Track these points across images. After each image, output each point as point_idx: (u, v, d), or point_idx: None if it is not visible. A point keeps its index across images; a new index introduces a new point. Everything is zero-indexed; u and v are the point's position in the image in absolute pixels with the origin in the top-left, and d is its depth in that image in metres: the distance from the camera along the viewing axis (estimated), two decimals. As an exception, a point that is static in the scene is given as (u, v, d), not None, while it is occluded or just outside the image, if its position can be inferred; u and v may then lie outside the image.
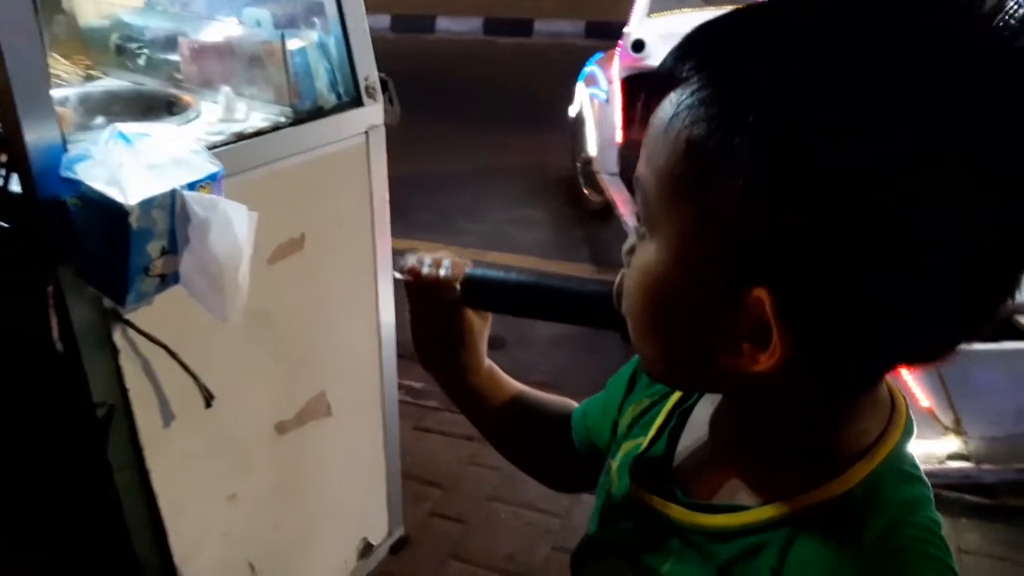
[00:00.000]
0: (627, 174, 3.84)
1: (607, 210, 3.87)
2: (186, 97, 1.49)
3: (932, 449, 2.02)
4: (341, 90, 1.51)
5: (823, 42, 0.41)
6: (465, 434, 2.51)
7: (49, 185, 1.06)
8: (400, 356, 1.84)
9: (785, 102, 0.40)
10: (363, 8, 1.49)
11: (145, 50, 1.63)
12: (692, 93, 0.44)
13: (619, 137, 3.80)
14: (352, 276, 1.66)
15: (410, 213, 3.87)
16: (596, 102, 3.96)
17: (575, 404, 0.82)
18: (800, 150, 0.39)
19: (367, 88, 1.52)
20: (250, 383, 1.47)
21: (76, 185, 1.05)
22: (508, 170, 4.85)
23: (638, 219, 0.51)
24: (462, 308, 0.75)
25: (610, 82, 3.84)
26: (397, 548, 2.02)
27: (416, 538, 2.08)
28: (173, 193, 1.08)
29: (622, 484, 0.63)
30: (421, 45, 8.07)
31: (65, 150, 1.08)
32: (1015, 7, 0.39)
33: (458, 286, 0.72)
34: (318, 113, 1.47)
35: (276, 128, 1.40)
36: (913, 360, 0.47)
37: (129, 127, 1.12)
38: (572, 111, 4.28)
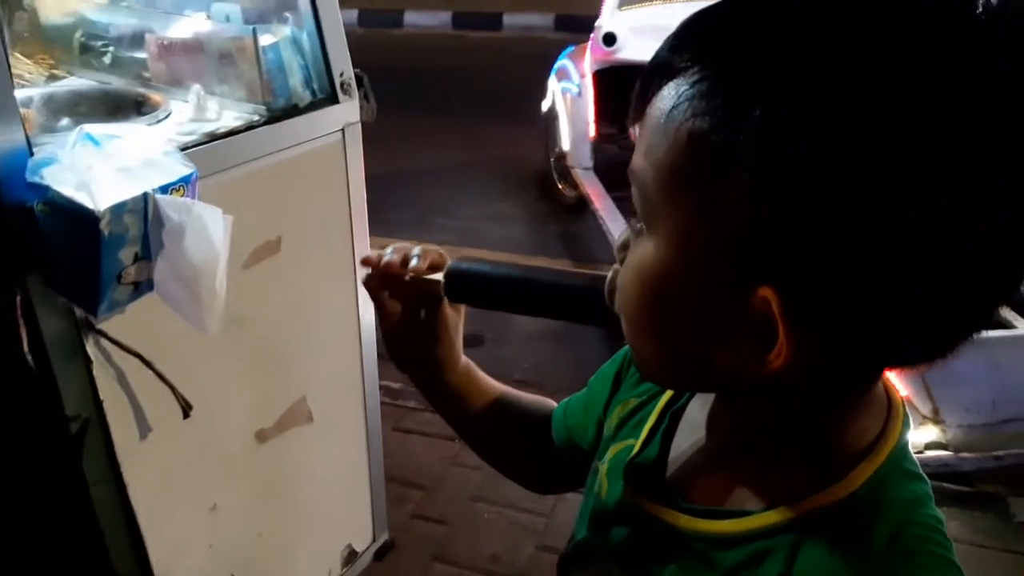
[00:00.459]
0: (601, 168, 3.84)
1: (582, 204, 3.87)
2: (155, 96, 1.44)
3: (911, 438, 2.04)
4: (316, 87, 1.48)
5: (826, 32, 0.39)
6: (446, 434, 2.48)
7: (15, 191, 1.02)
8: (379, 356, 1.81)
9: (792, 96, 0.39)
10: (336, 2, 1.46)
11: (110, 48, 1.58)
12: (692, 84, 0.42)
13: (592, 131, 3.79)
14: (331, 277, 1.62)
15: (383, 211, 3.82)
16: (568, 96, 3.95)
17: (554, 403, 0.80)
18: (808, 145, 0.38)
19: (342, 84, 1.49)
20: (228, 391, 1.43)
21: (43, 191, 1.01)
22: (481, 165, 4.83)
23: (634, 214, 0.49)
24: (436, 302, 0.72)
25: (582, 76, 3.83)
26: (382, 554, 1.99)
27: (399, 541, 2.06)
28: (145, 197, 1.04)
29: (614, 488, 0.61)
30: (389, 40, 8.00)
31: (31, 154, 1.04)
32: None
33: (440, 278, 0.69)
34: (293, 111, 1.43)
35: (250, 127, 1.36)
36: (914, 360, 0.46)
37: (97, 129, 1.08)
38: (545, 105, 4.26)
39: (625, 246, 0.51)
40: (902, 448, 0.50)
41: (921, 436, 2.06)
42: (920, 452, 2.05)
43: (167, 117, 1.37)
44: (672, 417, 0.61)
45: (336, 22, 1.46)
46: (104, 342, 1.15)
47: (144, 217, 1.04)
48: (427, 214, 4.18)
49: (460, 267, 0.69)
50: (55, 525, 1.29)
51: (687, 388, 0.60)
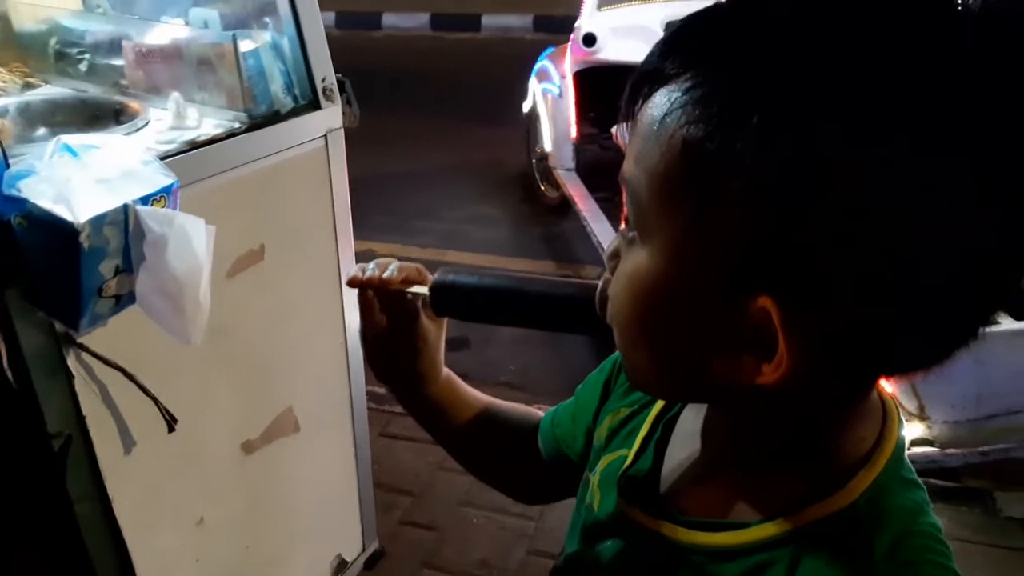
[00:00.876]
0: (583, 169, 3.84)
1: (564, 205, 3.87)
2: (133, 104, 1.42)
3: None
4: (297, 92, 1.46)
5: (821, 37, 0.39)
6: (428, 434, 2.47)
7: (-9, 204, 0.99)
8: (366, 361, 1.79)
9: (789, 102, 0.38)
10: (317, 6, 1.44)
11: (86, 55, 1.55)
12: (685, 91, 0.42)
13: (573, 132, 3.79)
14: (315, 284, 1.61)
15: (365, 215, 3.81)
16: (549, 97, 3.95)
17: (540, 413, 0.79)
18: (806, 151, 0.38)
19: (324, 90, 1.47)
20: (214, 403, 1.41)
21: (21, 203, 0.99)
22: (463, 168, 4.81)
23: (625, 222, 0.48)
24: (414, 315, 0.71)
25: (563, 77, 3.83)
26: (372, 562, 1.98)
27: (388, 548, 2.04)
28: (125, 208, 1.02)
29: (607, 500, 0.60)
30: (368, 42, 7.97)
31: (7, 166, 1.01)
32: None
33: (424, 292, 0.68)
34: (274, 118, 1.41)
35: (231, 135, 1.34)
36: (912, 366, 0.46)
37: (75, 139, 1.06)
38: (525, 107, 4.26)
39: (616, 254, 0.50)
40: (899, 455, 0.50)
41: (907, 433, 2.07)
42: (907, 449, 2.07)
43: (146, 126, 1.35)
44: (665, 427, 0.60)
45: (317, 27, 1.45)
46: (86, 356, 1.12)
47: (125, 229, 1.02)
48: (409, 218, 4.16)
49: (446, 280, 0.68)
50: (39, 543, 1.27)
51: (681, 399, 0.59)
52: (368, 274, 0.69)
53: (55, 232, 0.98)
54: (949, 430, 2.08)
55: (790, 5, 0.41)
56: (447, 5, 8.43)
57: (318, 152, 1.51)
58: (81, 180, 1.01)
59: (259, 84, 1.39)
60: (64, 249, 0.98)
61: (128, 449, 1.23)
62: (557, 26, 6.80)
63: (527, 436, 0.78)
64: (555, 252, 3.83)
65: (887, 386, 0.51)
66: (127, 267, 1.04)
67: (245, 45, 1.36)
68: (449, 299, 0.68)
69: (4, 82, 1.55)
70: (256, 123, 1.38)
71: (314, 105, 1.47)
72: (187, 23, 1.49)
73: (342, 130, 1.53)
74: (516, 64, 4.85)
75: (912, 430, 2.09)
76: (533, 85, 4.15)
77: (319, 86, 1.47)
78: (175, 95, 1.36)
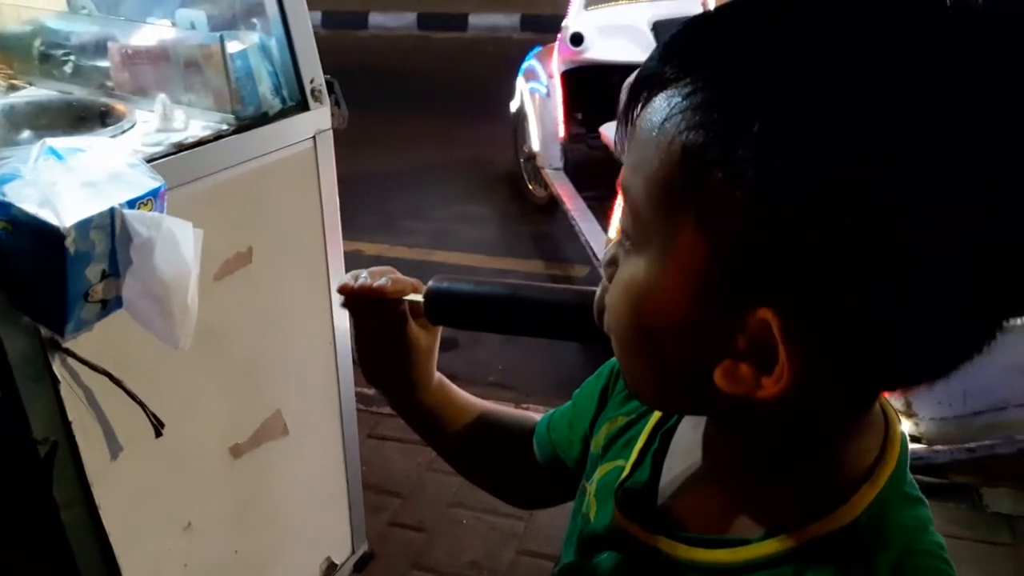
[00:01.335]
0: (571, 168, 3.85)
1: (552, 204, 3.87)
2: (119, 106, 1.40)
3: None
4: (286, 94, 1.45)
5: (822, 41, 0.38)
6: (422, 440, 2.46)
7: (-25, 209, 0.98)
8: (354, 363, 1.79)
9: (790, 110, 0.37)
10: (305, 7, 1.43)
11: (72, 57, 1.54)
12: (685, 96, 0.40)
13: (561, 131, 3.79)
14: (304, 286, 1.60)
15: (352, 215, 3.80)
16: (537, 96, 3.95)
17: (537, 417, 0.79)
18: (808, 160, 0.37)
19: (313, 91, 1.47)
20: (201, 407, 1.40)
21: (5, 208, 0.98)
22: (451, 167, 4.81)
23: (623, 230, 0.47)
24: (404, 323, 0.70)
25: (550, 76, 3.83)
26: (361, 565, 1.97)
27: (377, 550, 2.04)
28: (112, 212, 1.01)
29: (603, 511, 0.59)
30: (355, 41, 7.94)
31: (-9, 170, 1.01)
32: None
33: (419, 299, 0.67)
34: (262, 119, 1.40)
35: (218, 137, 1.34)
36: (916, 378, 0.45)
37: (60, 142, 1.06)
38: (513, 106, 4.26)
39: (613, 261, 0.49)
40: (901, 470, 0.49)
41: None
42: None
43: (132, 128, 1.34)
44: (663, 438, 0.59)
45: (305, 28, 1.44)
46: (71, 361, 1.11)
47: (111, 233, 1.02)
48: (397, 217, 4.15)
49: (441, 287, 0.67)
50: (26, 550, 1.26)
51: (681, 411, 0.57)
52: (360, 282, 0.69)
53: (40, 237, 0.97)
54: (936, 427, 2.10)
55: (790, 8, 0.40)
56: (434, 4, 8.41)
57: (306, 154, 1.50)
58: (67, 184, 1.00)
59: (247, 85, 1.38)
60: (49, 254, 0.98)
61: (115, 454, 1.22)
62: (544, 25, 6.80)
63: (522, 440, 0.77)
64: (543, 251, 3.83)
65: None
66: (114, 271, 1.04)
67: (232, 46, 1.35)
68: (444, 307, 0.67)
69: (-12, 84, 1.53)
70: (244, 125, 1.37)
71: (302, 106, 1.47)
72: (174, 24, 1.48)
73: (331, 131, 1.53)
74: (503, 63, 4.85)
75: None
76: (520, 84, 4.15)
77: (307, 87, 1.46)
78: (162, 97, 1.35)
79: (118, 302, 1.05)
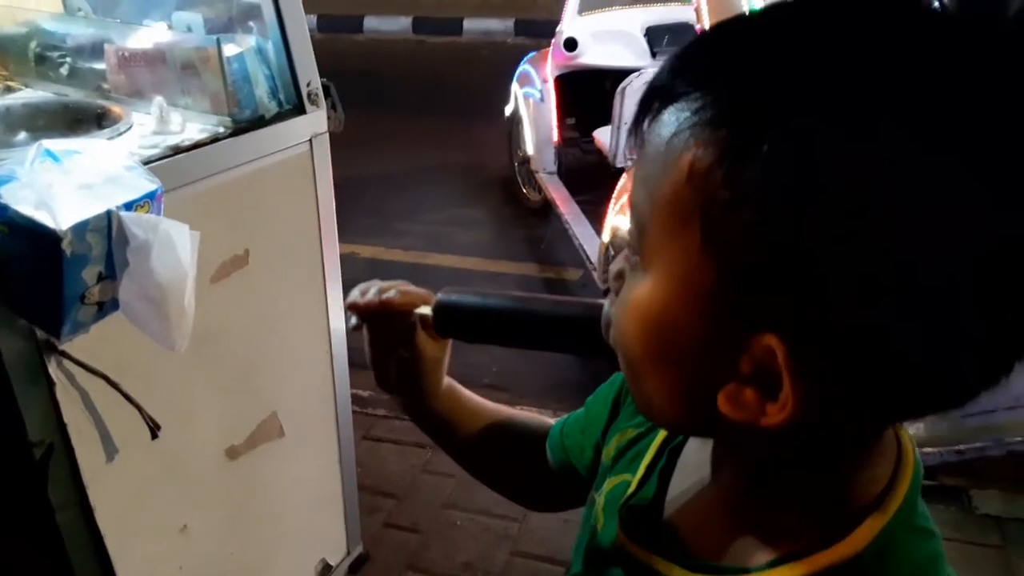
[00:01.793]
0: (564, 172, 3.86)
1: (547, 208, 3.88)
2: (116, 108, 1.41)
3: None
4: (282, 97, 1.45)
5: (836, 60, 0.37)
6: (417, 441, 2.47)
7: (-29, 211, 0.98)
8: (351, 365, 1.79)
9: (801, 131, 0.36)
10: (302, 10, 1.43)
11: (68, 59, 1.54)
12: (695, 111, 0.39)
13: (555, 136, 3.80)
14: (300, 289, 1.60)
15: (347, 218, 3.81)
16: (531, 101, 3.95)
17: (551, 421, 0.79)
18: (818, 184, 0.36)
19: (309, 94, 1.47)
20: (197, 409, 1.40)
21: (2, 210, 0.98)
22: (445, 170, 4.81)
23: (630, 246, 0.46)
24: (412, 335, 0.71)
25: (544, 81, 3.84)
26: (356, 566, 1.97)
27: (372, 551, 2.04)
28: (108, 215, 1.01)
29: (609, 526, 0.58)
30: (350, 45, 7.95)
31: (-13, 172, 1.01)
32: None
33: (427, 312, 0.68)
34: (259, 122, 1.41)
35: (215, 139, 1.34)
36: (927, 408, 0.43)
37: (57, 144, 1.05)
38: (507, 110, 4.27)
39: (621, 275, 0.48)
40: (911, 501, 0.47)
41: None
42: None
43: (129, 130, 1.34)
44: (670, 455, 0.58)
45: (302, 31, 1.44)
46: (67, 363, 1.11)
47: (108, 235, 1.02)
48: (392, 220, 4.15)
49: (449, 300, 0.67)
50: (21, 553, 1.26)
51: (685, 431, 0.56)
52: (367, 299, 0.69)
53: (37, 239, 0.97)
54: (926, 429, 2.10)
55: (804, 23, 0.39)
56: (429, 9, 8.42)
57: (303, 157, 1.50)
58: (63, 186, 1.00)
59: (244, 89, 1.39)
60: (46, 256, 0.97)
61: (111, 456, 1.22)
62: (538, 30, 6.82)
63: (535, 444, 0.77)
64: (538, 255, 3.84)
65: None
66: (110, 274, 1.04)
67: (229, 49, 1.36)
68: (452, 321, 0.68)
69: (-17, 86, 1.53)
70: (241, 128, 1.37)
71: (299, 110, 1.47)
72: (170, 27, 1.48)
73: (327, 134, 1.53)
74: (498, 68, 4.86)
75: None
76: (515, 89, 4.16)
77: (304, 90, 1.46)
78: (158, 99, 1.35)
79: (114, 304, 1.05)
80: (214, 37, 1.35)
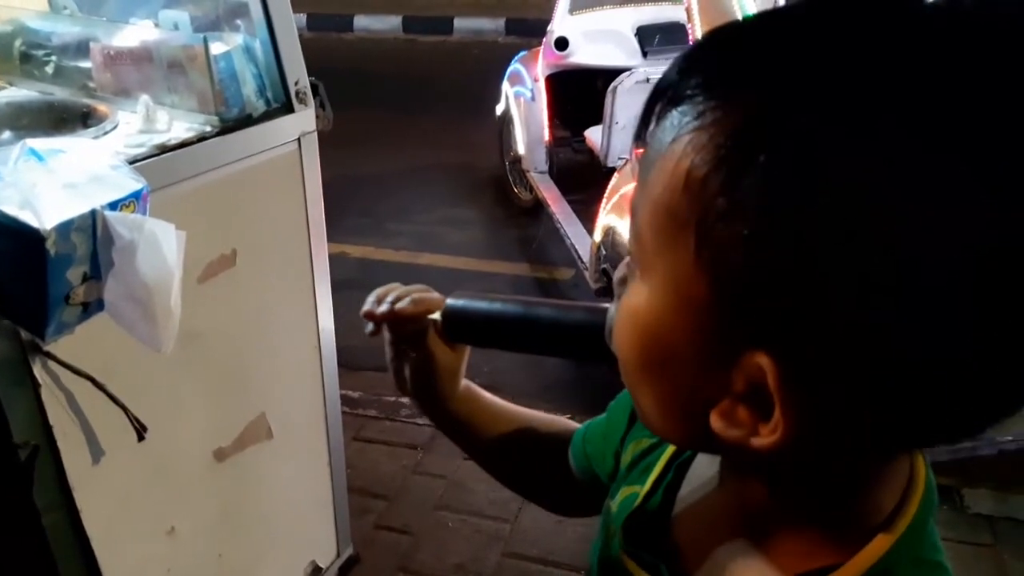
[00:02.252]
0: (556, 172, 3.85)
1: (538, 208, 3.87)
2: (101, 107, 1.39)
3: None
4: (270, 96, 1.44)
5: (839, 63, 0.36)
6: (408, 442, 2.46)
7: (-46, 210, 0.97)
8: (340, 365, 1.78)
9: (803, 131, 0.35)
10: (290, 8, 1.43)
11: (53, 57, 1.52)
12: (697, 116, 0.38)
13: (547, 135, 3.80)
14: (289, 289, 1.59)
15: (338, 217, 3.80)
16: (522, 100, 3.95)
17: (575, 425, 0.77)
18: (813, 200, 0.35)
19: (298, 93, 1.46)
20: (185, 411, 1.39)
21: (-15, 209, 0.97)
22: (436, 170, 4.80)
23: (630, 252, 0.45)
24: (424, 340, 0.71)
25: (535, 80, 3.83)
26: (347, 568, 1.96)
27: (362, 553, 2.03)
28: (93, 214, 1.00)
29: (618, 540, 0.58)
30: (340, 44, 7.92)
31: (-30, 171, 0.99)
32: None
33: (438, 318, 0.68)
34: (246, 121, 1.40)
35: (202, 138, 1.33)
36: (929, 438, 0.41)
37: (41, 143, 1.04)
38: (498, 110, 4.26)
39: (624, 281, 0.47)
40: (917, 530, 0.44)
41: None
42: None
43: (114, 129, 1.33)
44: (678, 470, 0.57)
45: (290, 29, 1.43)
46: (53, 365, 1.10)
47: (92, 235, 1.01)
48: (383, 220, 4.14)
49: (456, 306, 0.68)
50: (7, 556, 1.24)
51: (682, 444, 0.55)
52: (383, 309, 0.70)
53: (20, 239, 0.96)
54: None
55: (807, 22, 0.38)
56: (419, 8, 8.40)
57: (291, 156, 1.49)
58: (47, 185, 0.99)
59: (231, 87, 1.38)
60: (30, 256, 0.96)
61: (97, 459, 1.21)
62: (529, 30, 6.81)
63: (558, 449, 0.76)
64: (529, 254, 3.83)
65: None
66: (95, 274, 1.03)
67: (216, 47, 1.35)
68: (460, 326, 0.68)
69: (-33, 85, 1.52)
70: (228, 127, 1.37)
71: (287, 108, 1.46)
72: (157, 25, 1.47)
73: (315, 133, 1.52)
74: (488, 67, 4.85)
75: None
76: (506, 88, 4.15)
77: (292, 89, 1.45)
78: (145, 98, 1.34)
79: (100, 305, 1.04)
80: (201, 35, 1.34)
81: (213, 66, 1.33)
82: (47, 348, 1.08)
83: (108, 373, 1.16)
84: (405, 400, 2.68)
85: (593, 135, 3.44)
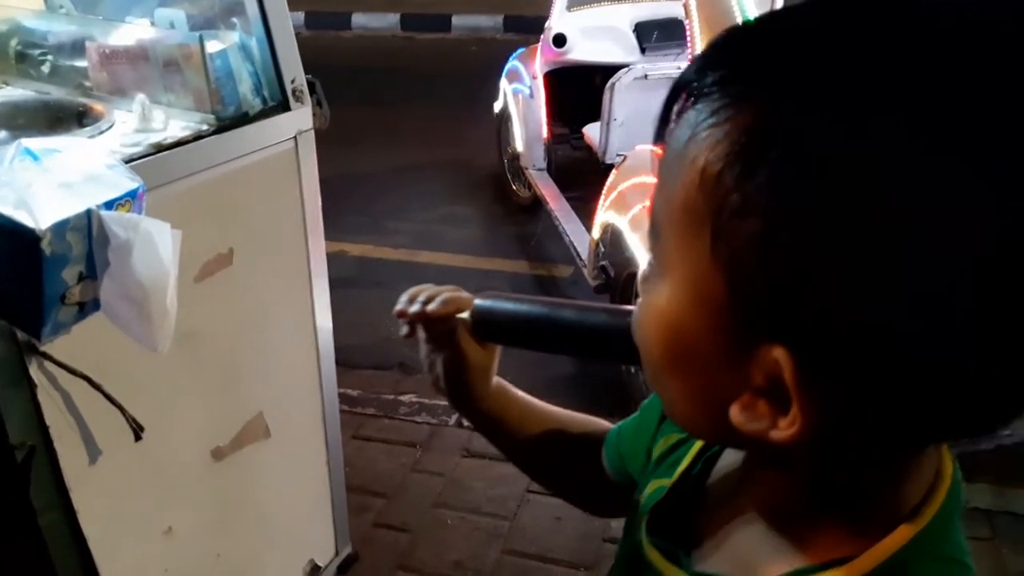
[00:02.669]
0: (554, 169, 3.85)
1: (536, 205, 3.87)
2: (97, 106, 1.39)
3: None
4: (266, 94, 1.44)
5: (842, 63, 0.36)
6: (406, 440, 2.46)
7: (-52, 210, 0.97)
8: (338, 364, 1.78)
9: (814, 140, 0.35)
10: (286, 6, 1.42)
11: (49, 56, 1.52)
12: (714, 112, 0.39)
13: (545, 132, 3.80)
14: (286, 287, 1.59)
15: (336, 216, 3.80)
16: (520, 97, 3.94)
17: (607, 424, 0.78)
18: (825, 197, 0.35)
19: (294, 91, 1.46)
20: (182, 410, 1.39)
21: (-20, 210, 0.96)
22: (434, 167, 4.80)
23: (650, 250, 0.46)
24: (453, 340, 0.72)
25: (533, 77, 3.83)
26: (345, 567, 1.96)
27: (361, 551, 2.03)
28: (89, 214, 1.00)
29: (643, 530, 0.58)
30: (338, 42, 7.92)
31: (-35, 171, 0.99)
32: None
33: (467, 317, 0.69)
34: (243, 119, 1.39)
35: (198, 137, 1.32)
36: (949, 431, 0.41)
37: (36, 142, 1.04)
38: (497, 107, 4.26)
39: (647, 279, 0.47)
40: (938, 527, 0.44)
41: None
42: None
43: (110, 128, 1.33)
44: (706, 463, 0.57)
45: (286, 27, 1.43)
46: (49, 365, 1.10)
47: (88, 235, 1.00)
48: (382, 218, 4.14)
49: (484, 306, 0.69)
50: (3, 556, 1.24)
51: (706, 438, 0.56)
52: (415, 308, 0.71)
53: (16, 239, 0.96)
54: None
55: (818, 22, 0.39)
56: (417, 5, 8.39)
57: (288, 154, 1.49)
58: (43, 185, 0.99)
59: (227, 85, 1.37)
60: (25, 256, 0.96)
61: (94, 459, 1.20)
62: (527, 27, 6.80)
63: (591, 448, 0.76)
64: (528, 251, 3.83)
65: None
66: (91, 273, 1.02)
67: (212, 46, 1.34)
68: (488, 326, 0.70)
69: (-38, 84, 1.51)
70: (224, 125, 1.36)
71: (283, 106, 1.45)
72: (152, 24, 1.46)
73: (312, 132, 1.52)
74: (486, 64, 4.84)
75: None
76: (504, 85, 4.15)
77: (288, 87, 1.45)
78: (140, 97, 1.34)
79: (95, 305, 1.04)
80: (197, 34, 1.34)
81: (209, 64, 1.32)
82: (43, 348, 1.08)
83: (104, 373, 1.16)
84: (404, 398, 2.71)
85: (591, 132, 3.44)
